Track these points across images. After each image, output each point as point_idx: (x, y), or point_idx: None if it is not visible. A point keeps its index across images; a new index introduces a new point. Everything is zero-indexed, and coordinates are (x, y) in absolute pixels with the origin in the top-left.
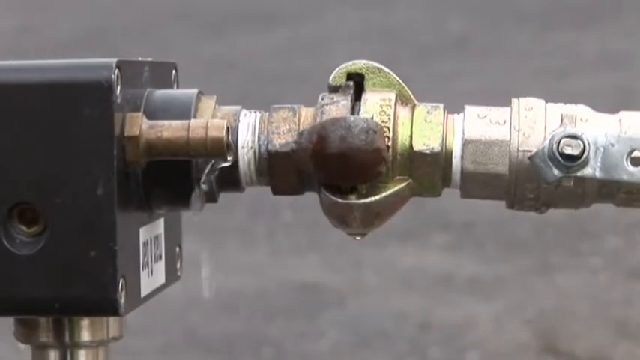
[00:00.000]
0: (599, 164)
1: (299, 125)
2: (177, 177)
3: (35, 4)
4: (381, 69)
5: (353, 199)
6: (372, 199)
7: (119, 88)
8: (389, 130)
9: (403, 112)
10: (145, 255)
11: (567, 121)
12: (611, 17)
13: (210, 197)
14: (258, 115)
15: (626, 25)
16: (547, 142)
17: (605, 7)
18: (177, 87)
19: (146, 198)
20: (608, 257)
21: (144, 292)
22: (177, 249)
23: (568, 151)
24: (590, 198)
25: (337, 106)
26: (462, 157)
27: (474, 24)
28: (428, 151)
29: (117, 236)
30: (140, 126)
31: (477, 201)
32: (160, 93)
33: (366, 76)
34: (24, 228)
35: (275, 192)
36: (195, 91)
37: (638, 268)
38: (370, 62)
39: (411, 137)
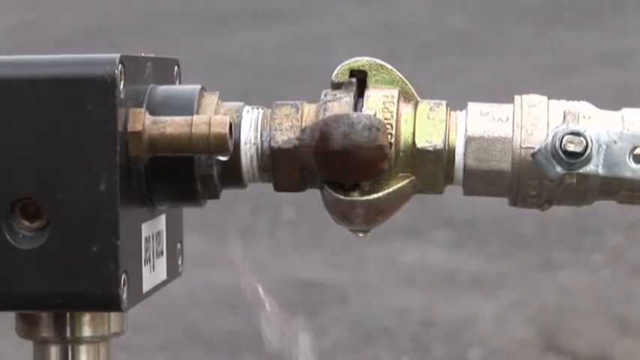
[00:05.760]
0: (601, 161)
1: (301, 122)
2: (179, 173)
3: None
4: (384, 66)
5: (355, 196)
6: (375, 195)
7: (122, 83)
8: (391, 127)
9: (406, 108)
10: (146, 251)
11: (570, 118)
12: (613, 14)
13: (213, 193)
14: (261, 111)
15: (628, 22)
16: (550, 138)
17: (607, 4)
18: (180, 83)
19: (148, 194)
20: (611, 254)
21: (145, 288)
22: (179, 245)
23: (571, 147)
24: (592, 195)
25: (340, 103)
26: (464, 154)
27: (476, 21)
28: (430, 148)
29: (119, 232)
30: (143, 121)
31: (480, 198)
32: (163, 89)
33: (368, 73)
34: (26, 223)
35: (277, 188)
36: (197, 87)
37: None
38: (373, 59)
39: (414, 134)
